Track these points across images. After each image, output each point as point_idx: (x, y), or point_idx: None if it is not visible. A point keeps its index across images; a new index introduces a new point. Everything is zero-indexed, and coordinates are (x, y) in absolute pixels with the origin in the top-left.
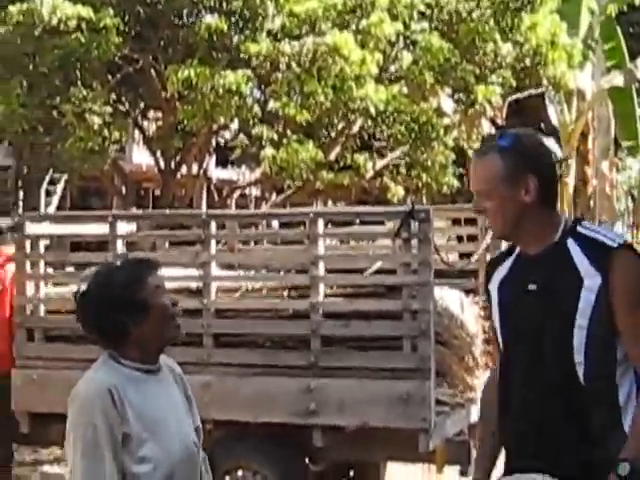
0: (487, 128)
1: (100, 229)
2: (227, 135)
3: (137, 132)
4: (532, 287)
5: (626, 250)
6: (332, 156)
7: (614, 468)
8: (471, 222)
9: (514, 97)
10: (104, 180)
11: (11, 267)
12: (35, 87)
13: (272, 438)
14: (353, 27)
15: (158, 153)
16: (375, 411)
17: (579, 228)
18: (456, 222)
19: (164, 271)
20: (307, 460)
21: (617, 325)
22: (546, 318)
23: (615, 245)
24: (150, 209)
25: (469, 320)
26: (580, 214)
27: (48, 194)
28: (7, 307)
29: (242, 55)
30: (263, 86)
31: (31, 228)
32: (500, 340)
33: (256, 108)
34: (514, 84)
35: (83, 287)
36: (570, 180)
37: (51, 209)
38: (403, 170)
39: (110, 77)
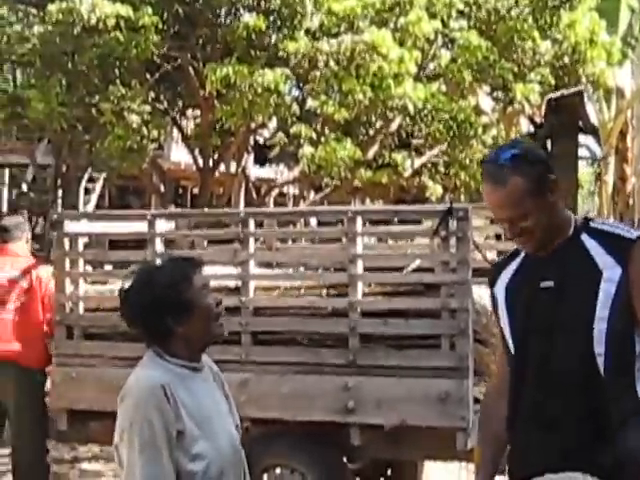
0: (525, 126)
1: (139, 227)
2: (265, 133)
3: (175, 130)
4: (546, 284)
5: None
6: (370, 154)
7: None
8: None
9: (553, 95)
10: (143, 178)
11: (36, 268)
12: (74, 86)
13: (310, 436)
14: (391, 25)
15: (196, 151)
16: (413, 409)
17: (592, 224)
18: (494, 220)
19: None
20: (345, 458)
21: (637, 316)
22: (564, 313)
23: (634, 237)
24: (188, 207)
25: None
26: (619, 212)
27: (87, 192)
28: (39, 307)
29: (280, 53)
30: (301, 84)
31: (70, 226)
32: (510, 342)
33: (294, 106)
34: (553, 82)
35: (127, 284)
36: (609, 178)
37: (90, 207)
38: (441, 168)
39: (149, 75)
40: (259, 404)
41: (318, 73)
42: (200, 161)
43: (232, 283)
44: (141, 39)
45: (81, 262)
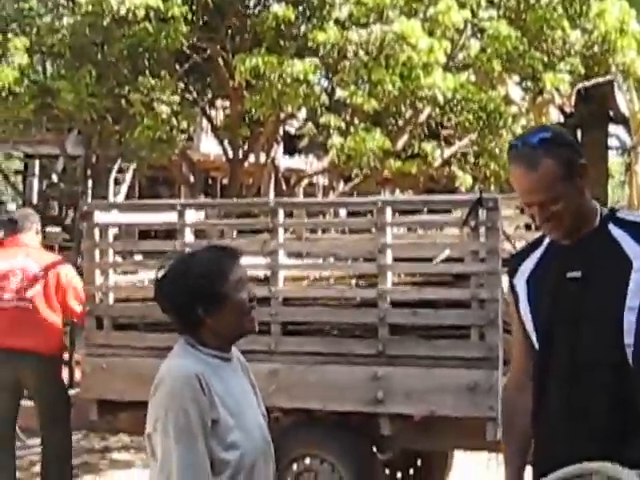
0: (555, 116)
1: (168, 218)
2: (295, 124)
3: (205, 121)
4: (573, 274)
5: None
6: (400, 144)
7: None
8: None
9: (583, 85)
10: (172, 169)
11: (49, 258)
12: (104, 76)
13: (339, 426)
14: (421, 15)
15: (226, 142)
16: (442, 400)
17: (618, 214)
18: (524, 210)
19: None
20: (374, 448)
21: None
22: (591, 304)
23: None
24: (218, 198)
25: None
26: None
27: (117, 183)
28: (52, 294)
29: (310, 44)
30: (330, 74)
31: (100, 217)
32: (534, 334)
33: (324, 97)
34: (583, 72)
35: (161, 273)
36: (639, 168)
37: (120, 198)
38: (471, 158)
39: (178, 66)
40: (288, 394)
41: (347, 63)
42: (229, 152)
43: (261, 273)
44: (170, 30)
45: (111, 252)
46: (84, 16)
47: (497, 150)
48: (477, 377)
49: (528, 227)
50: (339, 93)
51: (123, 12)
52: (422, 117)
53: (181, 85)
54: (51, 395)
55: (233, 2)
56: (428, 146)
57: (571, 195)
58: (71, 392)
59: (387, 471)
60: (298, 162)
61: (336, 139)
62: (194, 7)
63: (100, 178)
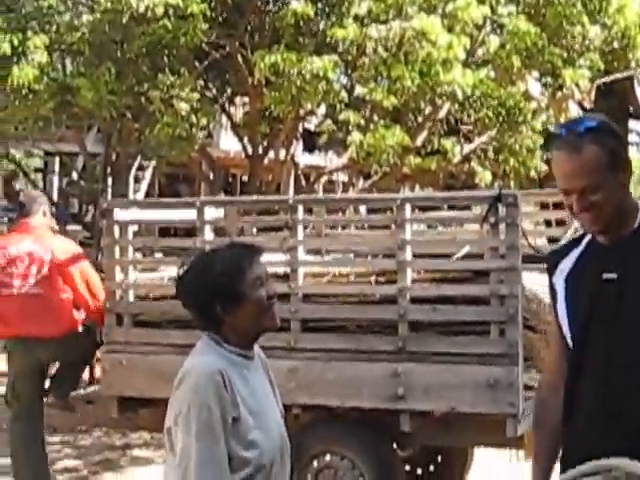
0: (575, 112)
1: (188, 215)
2: (314, 120)
3: (224, 118)
4: (610, 276)
5: None
6: (419, 141)
7: None
8: (559, 206)
9: (602, 80)
10: (192, 166)
11: (56, 241)
12: (123, 74)
13: (360, 423)
14: (440, 11)
15: (245, 139)
16: (462, 396)
17: None
18: (544, 207)
19: None
20: (395, 445)
21: None
22: (627, 306)
23: None
24: (238, 195)
25: None
26: None
27: (136, 181)
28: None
29: (329, 40)
30: (350, 71)
31: (120, 214)
32: (569, 334)
33: (343, 93)
34: (602, 67)
35: (182, 271)
36: None
37: (140, 195)
38: (491, 155)
39: (197, 63)
40: (308, 391)
41: (367, 60)
42: (249, 149)
43: (281, 270)
44: (189, 27)
45: (130, 250)
46: (103, 14)
47: (517, 146)
48: (497, 374)
49: (548, 224)
50: (358, 90)
51: (142, 9)
52: (441, 113)
53: (200, 82)
54: (74, 361)
55: None
56: (447, 142)
57: (612, 187)
58: (91, 389)
59: (407, 467)
60: (317, 159)
61: (355, 136)
62: (213, 4)
63: (120, 176)
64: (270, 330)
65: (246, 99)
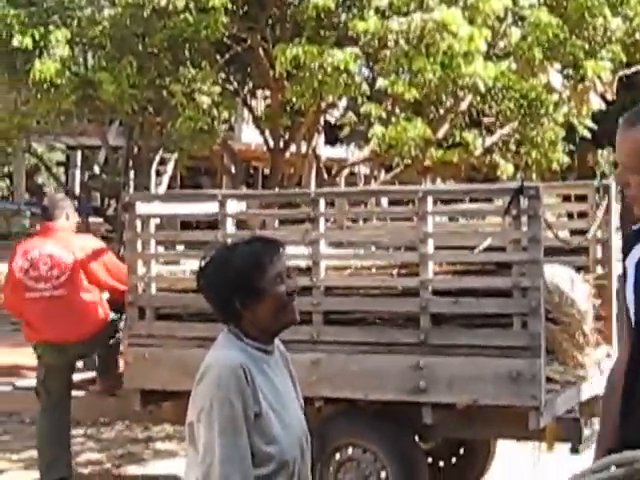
0: (597, 104)
1: (210, 208)
2: (335, 113)
3: (246, 111)
4: None
5: None
6: (441, 133)
7: None
8: (581, 199)
9: (624, 72)
10: (214, 159)
11: (77, 241)
12: (145, 68)
13: (382, 415)
14: (461, 3)
15: (267, 132)
16: (485, 389)
17: None
18: (566, 199)
19: None
20: (417, 437)
21: None
22: None
23: None
24: (259, 188)
25: (580, 297)
26: None
27: (158, 174)
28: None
29: (350, 33)
30: (371, 64)
31: (142, 208)
32: (633, 320)
33: (364, 86)
34: (624, 59)
35: (203, 264)
36: None
37: (161, 189)
38: (512, 147)
39: (219, 57)
40: (331, 384)
41: (388, 52)
42: (271, 142)
43: (303, 263)
44: (211, 20)
45: (153, 243)
46: (125, 7)
47: (539, 138)
48: (519, 366)
49: (570, 216)
50: (380, 82)
51: (163, 3)
52: (463, 106)
53: (222, 75)
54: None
55: None
56: (469, 135)
57: None
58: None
59: (429, 460)
60: (339, 152)
61: (377, 128)
62: None
63: (142, 169)
64: (290, 325)
65: (267, 92)
